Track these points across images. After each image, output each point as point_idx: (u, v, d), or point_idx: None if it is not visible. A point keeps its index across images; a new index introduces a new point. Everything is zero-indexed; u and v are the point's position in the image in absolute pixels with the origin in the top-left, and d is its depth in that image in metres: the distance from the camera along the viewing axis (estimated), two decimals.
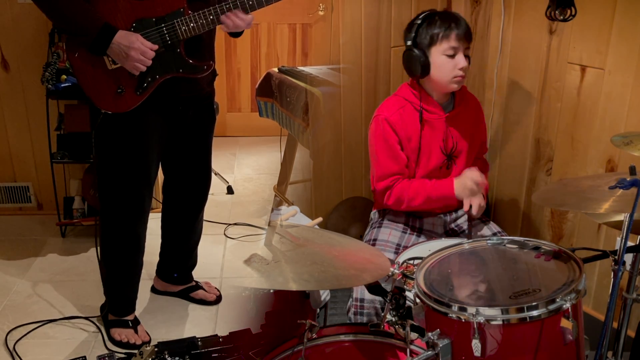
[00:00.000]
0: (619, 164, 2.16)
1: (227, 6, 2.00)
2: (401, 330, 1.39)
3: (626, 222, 1.37)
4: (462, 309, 1.24)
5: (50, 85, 2.94)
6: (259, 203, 3.72)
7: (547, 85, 2.39)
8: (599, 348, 1.36)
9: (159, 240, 2.62)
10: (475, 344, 1.23)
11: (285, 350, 1.46)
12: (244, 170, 4.27)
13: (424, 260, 1.45)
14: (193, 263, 2.66)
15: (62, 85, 2.95)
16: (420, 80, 2.04)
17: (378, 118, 2.04)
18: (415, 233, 2.13)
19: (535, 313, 1.23)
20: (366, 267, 1.44)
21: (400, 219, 2.14)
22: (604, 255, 1.54)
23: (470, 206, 2.01)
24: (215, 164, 4.06)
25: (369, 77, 2.73)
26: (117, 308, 2.40)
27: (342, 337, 1.49)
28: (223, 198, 3.77)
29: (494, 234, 2.09)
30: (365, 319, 1.89)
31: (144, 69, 2.01)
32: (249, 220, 3.45)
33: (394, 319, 1.41)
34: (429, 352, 1.27)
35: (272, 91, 3.23)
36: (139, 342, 2.34)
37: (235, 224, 3.40)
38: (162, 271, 2.67)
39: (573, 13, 2.16)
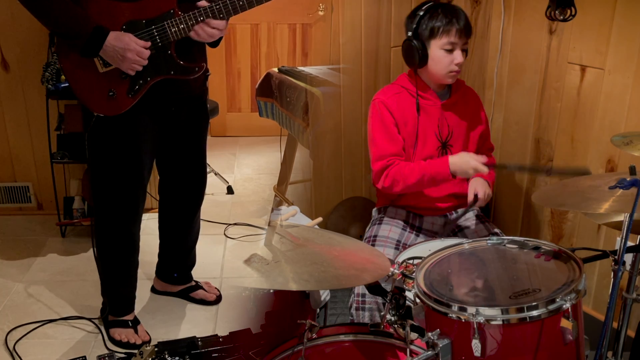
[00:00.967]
0: (619, 164, 2.16)
1: (217, 7, 1.98)
2: (401, 330, 1.39)
3: (626, 222, 1.37)
4: (462, 309, 1.24)
5: (50, 85, 2.94)
6: (259, 203, 3.72)
7: (547, 85, 2.39)
8: (599, 348, 1.36)
9: (159, 240, 2.62)
10: (475, 344, 1.23)
11: (285, 350, 1.46)
12: (244, 170, 4.27)
13: (424, 260, 1.45)
14: (192, 263, 2.66)
15: (62, 85, 2.95)
16: (418, 70, 2.06)
17: (375, 101, 2.08)
18: (414, 232, 2.14)
19: (535, 313, 1.23)
20: (366, 267, 1.44)
21: (401, 216, 2.14)
22: (604, 255, 1.54)
23: (475, 196, 2.02)
24: (215, 164, 4.09)
25: (369, 77, 2.73)
26: (115, 308, 2.41)
27: (342, 337, 1.49)
28: (223, 198, 3.77)
29: (493, 234, 2.09)
30: (367, 314, 1.90)
31: (140, 68, 2.01)
32: (249, 220, 3.43)
33: (394, 319, 1.41)
34: (429, 352, 1.27)
35: (272, 91, 3.23)
36: (139, 342, 2.34)
37: (235, 224, 3.38)
38: (161, 271, 2.67)
39: (573, 13, 2.16)
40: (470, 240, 1.54)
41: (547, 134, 2.43)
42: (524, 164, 1.85)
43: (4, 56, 3.15)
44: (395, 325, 1.41)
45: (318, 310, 1.92)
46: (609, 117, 2.16)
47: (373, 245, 2.05)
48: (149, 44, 1.99)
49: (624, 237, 1.33)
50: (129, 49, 1.96)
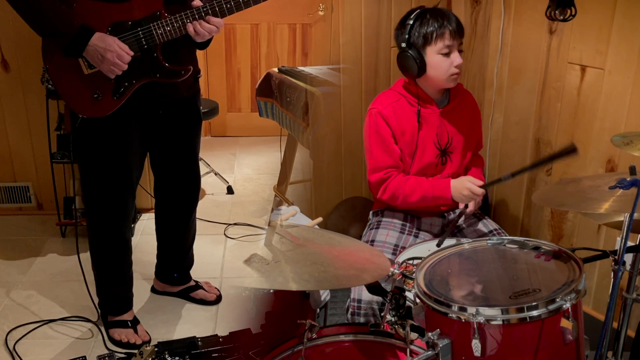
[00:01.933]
0: (619, 164, 2.16)
1: (205, 9, 1.97)
2: (401, 330, 1.39)
3: (626, 222, 1.37)
4: (462, 309, 1.24)
5: (50, 85, 2.94)
6: (259, 203, 3.72)
7: (547, 85, 2.39)
8: (599, 348, 1.36)
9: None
10: (475, 344, 1.23)
11: (285, 350, 1.46)
12: (244, 170, 4.27)
13: (423, 261, 1.45)
14: (189, 263, 2.66)
15: None
16: (417, 79, 2.04)
17: (372, 111, 2.06)
18: (412, 234, 2.13)
19: (535, 313, 1.23)
20: (366, 267, 1.44)
21: (398, 219, 2.14)
22: (604, 255, 1.54)
23: (465, 206, 2.03)
24: (215, 164, 4.09)
25: (369, 77, 2.73)
26: (111, 307, 2.41)
27: (342, 337, 1.49)
28: (223, 198, 3.77)
29: (491, 232, 2.09)
30: (362, 320, 1.89)
31: (119, 72, 1.99)
32: (249, 220, 3.45)
33: (394, 319, 1.41)
34: (429, 352, 1.27)
35: (272, 91, 3.23)
36: (139, 342, 2.34)
37: (235, 224, 3.40)
38: (160, 272, 2.67)
39: (573, 13, 2.16)
40: (470, 240, 1.54)
41: (547, 134, 2.43)
42: (515, 170, 1.85)
43: (4, 56, 3.15)
44: (395, 326, 1.41)
45: (318, 310, 1.92)
46: (609, 117, 2.16)
47: None
48: (132, 53, 1.98)
49: (624, 237, 1.33)
50: (109, 49, 1.94)
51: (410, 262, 1.78)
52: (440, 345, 1.26)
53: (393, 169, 2.04)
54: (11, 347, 2.32)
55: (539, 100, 2.44)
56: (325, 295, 1.90)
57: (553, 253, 1.41)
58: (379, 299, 1.80)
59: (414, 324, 1.35)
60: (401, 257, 1.86)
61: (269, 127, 3.88)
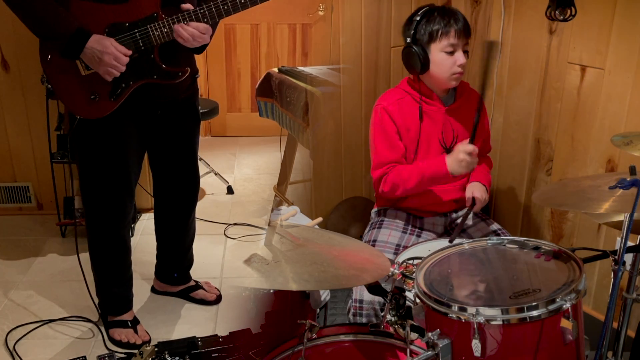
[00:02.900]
0: (619, 164, 2.16)
1: (202, 11, 1.97)
2: (401, 330, 1.39)
3: (626, 222, 1.37)
4: (462, 309, 1.24)
5: (50, 85, 2.94)
6: (259, 203, 3.72)
7: (547, 85, 2.39)
8: (599, 348, 1.36)
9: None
10: (475, 344, 1.23)
11: (285, 350, 1.46)
12: (244, 170, 4.27)
13: (424, 260, 1.45)
14: (189, 263, 2.66)
15: None
16: (420, 76, 2.04)
17: (377, 107, 2.06)
18: (415, 233, 2.13)
19: (535, 313, 1.23)
20: (366, 267, 1.44)
21: (401, 219, 2.14)
22: (604, 255, 1.54)
23: (473, 200, 2.02)
24: (215, 164, 4.09)
25: (369, 77, 2.73)
26: (111, 307, 2.41)
27: (342, 337, 1.49)
28: (223, 198, 3.77)
29: (495, 232, 2.09)
30: (364, 320, 1.89)
31: (117, 74, 1.99)
32: (249, 220, 3.45)
33: (394, 319, 1.41)
34: (429, 352, 1.27)
35: (272, 91, 3.23)
36: (139, 342, 2.34)
37: (235, 224, 3.40)
38: (160, 272, 2.67)
39: (573, 13, 2.16)
40: (470, 240, 1.54)
41: (547, 134, 2.43)
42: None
43: (4, 56, 3.15)
44: (396, 326, 1.41)
45: (318, 310, 1.92)
46: (609, 117, 2.16)
47: None
48: (129, 52, 1.98)
49: (624, 237, 1.33)
50: (107, 52, 1.94)
51: (410, 262, 1.78)
52: (440, 346, 1.26)
53: (395, 164, 2.03)
54: (11, 347, 2.32)
55: (539, 100, 2.44)
56: (325, 295, 1.90)
57: (553, 253, 1.41)
58: (381, 299, 1.80)
59: (414, 324, 1.35)
60: (401, 257, 1.86)
61: (269, 127, 3.88)
